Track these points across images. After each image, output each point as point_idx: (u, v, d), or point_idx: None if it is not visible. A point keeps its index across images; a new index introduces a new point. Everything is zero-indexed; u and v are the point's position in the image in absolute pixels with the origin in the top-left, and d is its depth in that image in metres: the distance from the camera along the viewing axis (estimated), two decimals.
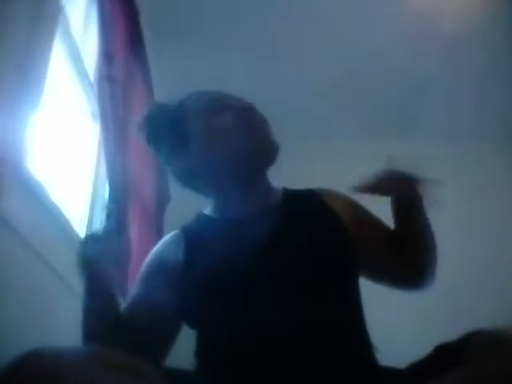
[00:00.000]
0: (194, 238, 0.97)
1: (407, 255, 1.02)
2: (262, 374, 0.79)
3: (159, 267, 0.95)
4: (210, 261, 0.91)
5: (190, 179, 1.04)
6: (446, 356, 0.68)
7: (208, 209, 1.04)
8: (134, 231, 1.68)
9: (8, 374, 0.50)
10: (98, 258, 0.87)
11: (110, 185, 1.61)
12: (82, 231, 1.65)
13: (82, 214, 1.71)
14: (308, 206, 1.01)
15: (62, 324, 1.07)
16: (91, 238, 0.90)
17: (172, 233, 1.01)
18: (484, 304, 2.51)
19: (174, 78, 2.64)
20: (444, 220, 2.67)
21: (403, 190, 1.01)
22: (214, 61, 2.62)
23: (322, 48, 2.63)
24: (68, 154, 1.58)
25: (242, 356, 0.82)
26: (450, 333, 0.80)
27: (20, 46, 0.96)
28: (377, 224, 1.06)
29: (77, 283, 1.17)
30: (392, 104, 2.93)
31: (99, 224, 1.78)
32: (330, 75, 2.74)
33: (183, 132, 1.01)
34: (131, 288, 0.96)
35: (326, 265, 0.89)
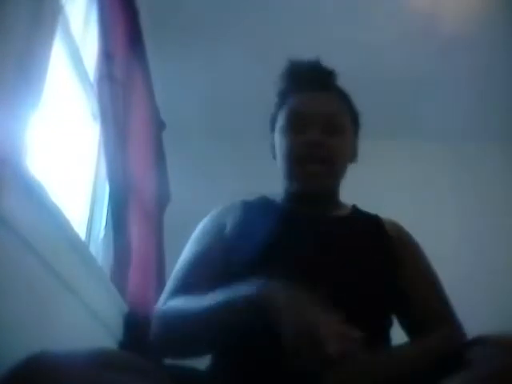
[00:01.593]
0: (250, 208, 1.04)
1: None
2: (271, 375, 0.80)
3: (217, 225, 1.01)
4: (253, 239, 0.93)
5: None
6: (452, 360, 0.69)
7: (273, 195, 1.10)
8: (134, 231, 1.68)
9: (10, 379, 0.50)
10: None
11: (110, 185, 1.61)
12: (81, 231, 1.65)
13: (81, 213, 1.71)
14: (367, 227, 1.02)
15: (61, 324, 1.07)
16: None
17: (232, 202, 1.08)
18: (484, 305, 2.50)
19: (174, 78, 2.64)
20: (444, 220, 2.68)
21: None
22: (213, 61, 2.62)
23: (322, 48, 2.62)
24: (68, 153, 1.57)
25: (253, 356, 0.82)
26: None
27: (20, 45, 0.96)
28: (420, 279, 1.00)
29: (77, 283, 1.17)
30: (391, 104, 2.93)
31: (99, 224, 1.77)
32: None
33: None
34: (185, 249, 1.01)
35: (357, 287, 0.89)
